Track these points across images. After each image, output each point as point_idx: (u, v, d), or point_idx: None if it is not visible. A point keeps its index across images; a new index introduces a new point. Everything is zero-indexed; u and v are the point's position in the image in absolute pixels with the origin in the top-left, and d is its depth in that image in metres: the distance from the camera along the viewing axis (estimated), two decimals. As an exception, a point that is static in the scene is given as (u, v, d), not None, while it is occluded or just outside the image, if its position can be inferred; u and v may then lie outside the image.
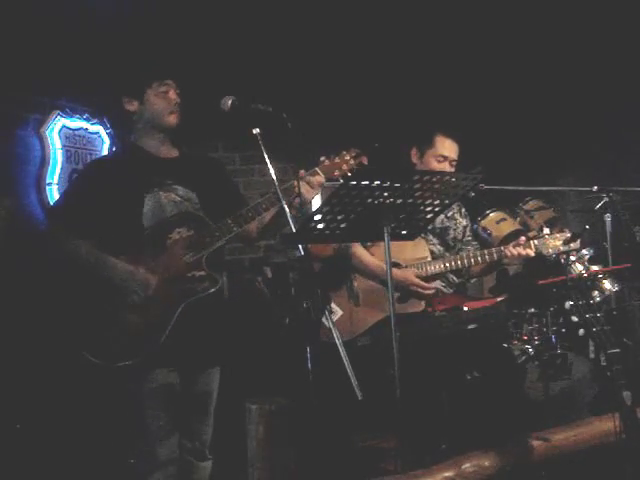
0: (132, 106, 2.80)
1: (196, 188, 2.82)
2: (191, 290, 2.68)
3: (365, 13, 4.66)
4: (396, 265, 3.37)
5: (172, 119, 2.79)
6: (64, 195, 2.97)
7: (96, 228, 2.67)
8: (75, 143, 4.39)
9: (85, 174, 2.95)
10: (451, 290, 3.62)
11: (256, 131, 2.64)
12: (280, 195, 2.61)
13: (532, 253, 3.36)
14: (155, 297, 2.65)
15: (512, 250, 3.35)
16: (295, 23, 4.63)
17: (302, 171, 2.76)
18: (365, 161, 2.82)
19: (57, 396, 3.74)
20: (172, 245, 2.70)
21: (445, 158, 3.55)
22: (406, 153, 3.66)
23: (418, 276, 3.38)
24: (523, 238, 3.41)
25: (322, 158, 2.81)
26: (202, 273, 2.69)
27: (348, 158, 2.80)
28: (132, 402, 2.73)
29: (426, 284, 3.37)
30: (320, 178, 2.77)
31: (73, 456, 3.59)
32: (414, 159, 3.64)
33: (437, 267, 3.43)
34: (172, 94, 2.80)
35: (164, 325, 2.63)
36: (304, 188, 2.71)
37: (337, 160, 2.80)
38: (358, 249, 3.42)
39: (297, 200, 2.71)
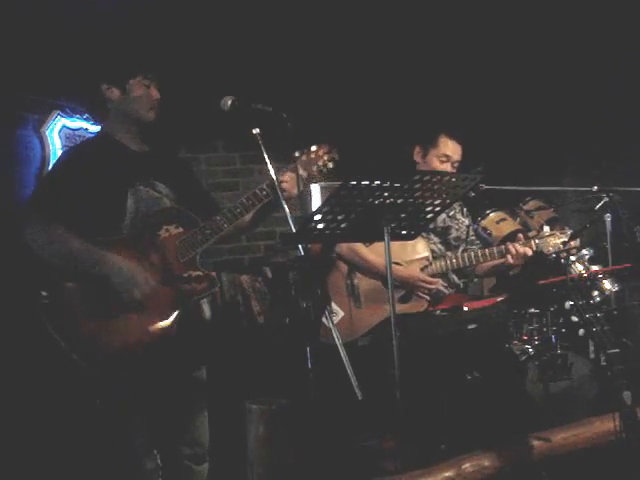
0: (112, 94, 2.71)
1: (171, 185, 2.76)
2: (191, 290, 2.62)
3: (371, 12, 4.66)
4: (396, 265, 3.37)
5: (151, 115, 2.73)
6: (44, 184, 2.84)
7: (78, 220, 2.55)
8: (75, 143, 4.38)
9: (64, 164, 2.79)
10: (452, 290, 3.62)
11: (256, 131, 2.62)
12: (280, 195, 2.59)
13: (530, 251, 3.35)
14: (153, 297, 2.57)
15: (516, 247, 3.33)
16: (297, 22, 4.63)
17: (284, 169, 2.72)
18: (336, 156, 2.77)
19: (46, 399, 3.72)
20: (163, 243, 2.63)
21: (448, 158, 3.55)
22: (409, 151, 3.66)
23: None
24: (520, 235, 3.41)
25: (297, 153, 2.74)
26: (198, 273, 2.63)
27: (321, 154, 2.74)
28: (115, 408, 2.66)
29: (432, 279, 3.38)
30: (302, 172, 2.70)
31: (56, 463, 3.57)
32: (417, 158, 3.64)
33: (438, 266, 3.43)
34: (154, 90, 2.74)
35: (165, 327, 2.57)
36: (289, 184, 2.66)
37: (312, 155, 2.74)
38: (361, 248, 3.42)
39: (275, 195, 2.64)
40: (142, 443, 2.66)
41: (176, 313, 2.58)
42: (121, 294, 2.53)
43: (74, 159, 2.77)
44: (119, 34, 4.03)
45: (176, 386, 2.71)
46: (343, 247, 3.44)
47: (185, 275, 2.62)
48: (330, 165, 2.76)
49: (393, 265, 3.32)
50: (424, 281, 3.36)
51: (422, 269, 3.40)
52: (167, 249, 2.63)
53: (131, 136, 2.76)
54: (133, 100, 2.71)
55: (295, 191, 2.69)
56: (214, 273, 2.73)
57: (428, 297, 3.43)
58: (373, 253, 3.42)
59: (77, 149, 3.08)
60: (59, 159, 2.97)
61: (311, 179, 2.78)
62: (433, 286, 3.39)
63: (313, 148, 2.75)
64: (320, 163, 2.74)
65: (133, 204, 2.65)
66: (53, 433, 3.66)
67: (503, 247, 3.39)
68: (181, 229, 2.65)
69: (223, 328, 3.20)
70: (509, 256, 3.35)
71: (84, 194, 2.58)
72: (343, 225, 2.54)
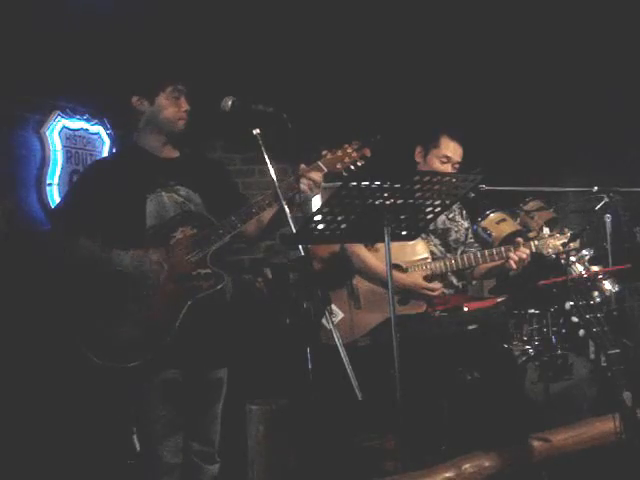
0: (141, 105, 2.79)
1: (198, 188, 2.81)
2: (197, 288, 2.67)
3: (372, 11, 4.65)
4: (397, 267, 3.37)
5: (179, 125, 2.79)
6: (66, 197, 2.96)
7: (99, 229, 2.65)
8: (75, 144, 4.39)
9: (86, 175, 2.93)
10: (451, 291, 3.63)
11: (256, 132, 2.63)
12: (280, 195, 2.61)
13: (528, 251, 3.35)
14: (162, 296, 2.63)
15: (517, 254, 3.33)
16: (297, 23, 4.63)
17: (303, 165, 2.72)
18: (368, 153, 2.75)
19: (59, 397, 3.73)
20: (176, 244, 2.69)
21: (448, 159, 3.55)
22: (411, 151, 3.66)
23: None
24: (520, 239, 3.41)
25: (324, 152, 2.76)
26: (207, 271, 2.68)
27: (350, 151, 2.75)
28: (136, 404, 2.72)
29: (434, 286, 3.39)
30: (320, 177, 2.71)
31: (73, 456, 3.59)
32: (418, 158, 3.64)
33: (438, 267, 3.43)
34: (183, 101, 2.79)
35: (171, 324, 2.62)
36: (306, 184, 2.66)
37: (339, 153, 2.75)
38: (362, 251, 3.42)
39: (298, 197, 2.67)
40: (162, 435, 2.68)
41: (183, 311, 2.63)
42: (135, 286, 2.62)
43: (95, 170, 2.92)
44: (124, 43, 4.04)
45: (194, 381, 2.76)
46: (348, 251, 3.45)
47: (194, 273, 2.68)
48: (359, 163, 2.75)
49: (396, 272, 3.36)
50: (427, 288, 3.36)
51: (425, 277, 3.41)
52: (179, 249, 2.69)
53: (160, 144, 2.83)
54: (162, 112, 2.78)
55: (314, 193, 2.69)
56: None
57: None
58: (375, 257, 3.42)
59: (100, 160, 3.33)
60: (82, 172, 3.11)
61: (334, 176, 2.76)
62: (436, 293, 3.39)
63: (345, 145, 2.76)
64: (347, 160, 2.74)
65: (154, 209, 2.72)
66: (74, 427, 3.69)
67: (503, 249, 3.38)
68: (195, 230, 2.71)
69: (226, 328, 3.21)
70: (512, 262, 3.34)
71: (104, 203, 2.67)
72: (343, 226, 2.54)
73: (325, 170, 2.72)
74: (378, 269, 3.37)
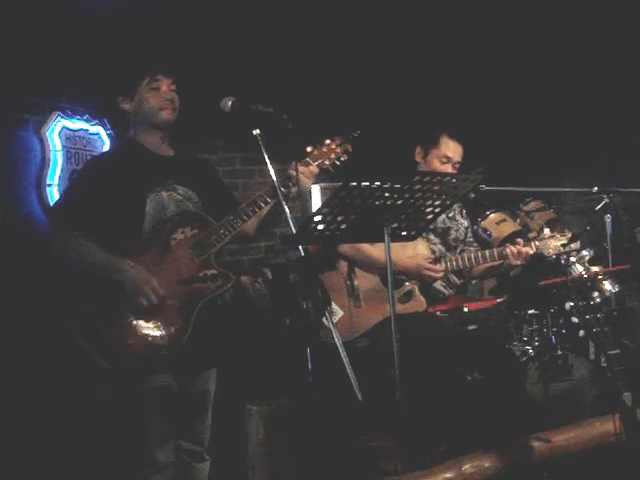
0: (127, 105, 2.78)
1: (195, 188, 2.80)
2: (206, 289, 2.66)
3: (372, 12, 4.66)
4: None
5: (164, 115, 2.75)
6: (64, 194, 2.93)
7: (97, 227, 2.62)
8: (75, 144, 4.38)
9: (85, 172, 2.88)
10: (452, 291, 3.63)
11: (256, 132, 2.63)
12: (281, 197, 2.61)
13: (531, 251, 3.37)
14: (170, 299, 2.61)
15: (513, 248, 3.36)
16: (297, 23, 4.63)
17: (294, 163, 2.73)
18: (350, 149, 2.81)
19: (59, 398, 3.73)
20: (178, 245, 2.68)
21: (449, 159, 3.56)
22: (410, 152, 3.67)
23: None
24: (520, 240, 3.42)
25: (309, 148, 2.79)
26: (213, 271, 2.67)
27: (334, 146, 2.79)
28: (130, 405, 2.70)
29: (438, 267, 3.40)
30: (313, 168, 2.76)
31: (71, 457, 3.59)
32: (418, 158, 3.65)
33: (438, 267, 3.43)
34: (164, 90, 2.76)
35: (184, 326, 2.60)
36: (301, 177, 2.68)
37: (324, 149, 2.78)
38: (363, 245, 3.42)
39: (294, 189, 2.70)
40: (156, 435, 2.67)
41: (194, 313, 2.62)
42: (132, 301, 2.58)
43: (95, 167, 2.87)
44: (123, 43, 4.03)
45: (185, 389, 2.74)
46: (345, 246, 3.44)
47: (200, 275, 2.66)
48: (343, 158, 2.80)
49: (400, 258, 3.36)
50: (430, 269, 3.37)
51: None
52: (182, 251, 2.68)
53: (156, 141, 2.80)
54: (143, 106, 2.76)
55: (308, 186, 2.72)
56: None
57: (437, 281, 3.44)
58: (376, 249, 3.42)
59: (99, 156, 3.24)
60: (81, 169, 3.08)
61: (323, 172, 2.81)
62: (439, 274, 3.40)
63: (327, 142, 2.79)
64: (333, 156, 2.78)
65: (154, 208, 2.69)
66: (68, 427, 3.68)
67: (502, 249, 3.39)
68: (196, 231, 2.70)
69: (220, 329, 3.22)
70: (510, 257, 3.35)
71: (104, 201, 2.64)
72: (343, 226, 2.54)
73: (315, 165, 2.76)
74: (380, 260, 3.37)
